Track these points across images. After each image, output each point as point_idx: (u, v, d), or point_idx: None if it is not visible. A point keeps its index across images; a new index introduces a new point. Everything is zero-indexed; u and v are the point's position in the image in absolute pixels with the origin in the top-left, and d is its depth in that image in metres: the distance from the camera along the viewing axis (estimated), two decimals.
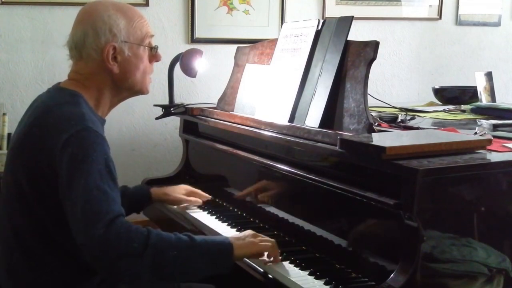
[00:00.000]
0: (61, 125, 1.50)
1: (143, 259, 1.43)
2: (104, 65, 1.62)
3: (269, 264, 1.63)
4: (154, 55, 1.72)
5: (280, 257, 1.64)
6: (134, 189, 2.14)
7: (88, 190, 1.44)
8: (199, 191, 2.23)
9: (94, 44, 1.61)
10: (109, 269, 1.46)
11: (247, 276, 1.68)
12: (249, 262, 1.68)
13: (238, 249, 1.58)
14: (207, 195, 2.22)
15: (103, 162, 1.48)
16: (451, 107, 2.73)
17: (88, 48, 1.61)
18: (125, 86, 1.68)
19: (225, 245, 1.57)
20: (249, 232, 1.67)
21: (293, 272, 1.58)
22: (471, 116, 2.44)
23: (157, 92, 2.96)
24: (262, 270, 1.64)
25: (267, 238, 1.66)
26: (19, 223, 1.57)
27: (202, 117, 2.41)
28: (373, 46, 1.74)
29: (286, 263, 1.64)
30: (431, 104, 2.95)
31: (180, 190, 2.20)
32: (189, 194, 2.21)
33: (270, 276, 1.61)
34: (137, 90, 1.71)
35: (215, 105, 2.47)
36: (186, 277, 1.55)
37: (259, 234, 1.67)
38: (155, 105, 2.57)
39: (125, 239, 1.43)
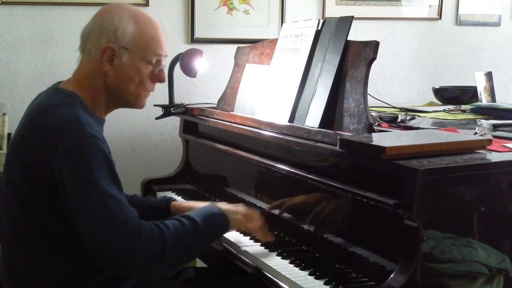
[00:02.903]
0: (57, 129, 1.49)
1: (162, 259, 1.51)
2: (99, 65, 1.61)
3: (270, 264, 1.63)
4: (156, 75, 1.69)
5: (269, 235, 1.76)
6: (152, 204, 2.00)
7: (102, 202, 1.45)
8: None
9: (96, 41, 1.61)
10: (130, 273, 1.57)
11: (247, 276, 1.69)
12: (249, 261, 1.68)
13: (231, 221, 1.69)
14: None
15: (106, 168, 1.49)
16: (451, 107, 2.73)
17: (90, 44, 1.62)
18: (116, 92, 1.65)
19: (222, 219, 1.67)
20: (241, 208, 1.77)
21: (293, 272, 1.58)
22: (471, 116, 2.44)
23: (157, 92, 2.93)
24: (262, 270, 1.64)
25: (257, 217, 1.77)
26: (19, 223, 1.57)
27: (202, 117, 2.41)
28: (373, 46, 1.74)
29: (286, 263, 1.64)
30: (431, 104, 2.94)
31: None
32: None
33: (270, 275, 1.61)
34: (128, 100, 1.68)
35: (215, 105, 2.47)
36: (194, 256, 1.70)
37: (251, 211, 1.78)
38: (155, 105, 2.57)
39: (146, 247, 1.48)
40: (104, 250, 1.47)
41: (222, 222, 1.67)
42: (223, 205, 1.75)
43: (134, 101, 1.69)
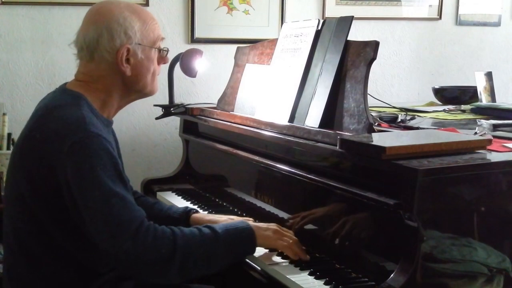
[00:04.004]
0: (62, 130, 1.49)
1: (172, 264, 1.47)
2: (116, 67, 1.61)
3: (270, 264, 1.63)
4: (162, 58, 1.72)
5: (302, 254, 1.63)
6: (171, 213, 1.95)
7: (106, 200, 1.44)
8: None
9: (108, 46, 1.59)
10: (139, 276, 1.51)
11: (247, 276, 1.68)
12: (250, 262, 1.69)
13: (258, 238, 1.62)
14: None
15: (112, 167, 1.48)
16: (451, 107, 2.73)
17: (102, 50, 1.59)
18: (136, 88, 1.68)
19: (248, 232, 1.61)
20: (272, 225, 1.70)
21: (293, 272, 1.58)
22: (471, 116, 2.44)
23: (157, 92, 2.95)
24: (262, 270, 1.64)
25: (287, 238, 1.66)
26: (20, 226, 1.56)
27: (202, 117, 2.41)
28: (373, 46, 1.74)
29: (286, 263, 1.64)
30: (431, 104, 2.95)
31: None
32: None
33: (270, 276, 1.61)
34: (147, 92, 1.71)
35: (215, 105, 2.47)
36: (212, 269, 1.58)
37: (282, 230, 1.69)
38: (155, 105, 2.57)
39: (152, 248, 1.46)
40: (109, 248, 1.46)
41: (246, 236, 1.61)
42: (254, 223, 1.70)
43: (150, 90, 1.71)
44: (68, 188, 1.46)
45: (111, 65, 1.61)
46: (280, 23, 3.19)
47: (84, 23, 1.64)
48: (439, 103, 2.95)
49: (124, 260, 1.46)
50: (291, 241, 1.66)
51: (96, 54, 1.61)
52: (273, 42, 2.18)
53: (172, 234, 1.49)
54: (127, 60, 1.62)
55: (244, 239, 1.61)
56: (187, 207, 1.95)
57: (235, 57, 2.46)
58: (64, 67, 2.86)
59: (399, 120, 2.12)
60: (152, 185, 2.54)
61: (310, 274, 1.55)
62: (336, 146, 1.57)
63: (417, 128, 1.95)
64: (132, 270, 1.49)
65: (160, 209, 1.95)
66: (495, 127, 1.96)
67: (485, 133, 1.86)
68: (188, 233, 1.53)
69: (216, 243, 1.54)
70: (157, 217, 1.89)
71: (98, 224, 1.45)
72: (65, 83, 1.68)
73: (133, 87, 1.67)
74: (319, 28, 1.97)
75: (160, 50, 1.70)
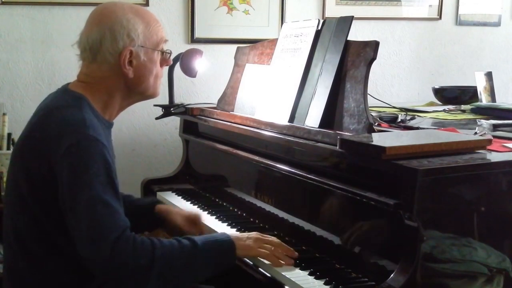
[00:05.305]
0: (61, 131, 1.49)
1: (150, 274, 1.46)
2: (118, 69, 1.60)
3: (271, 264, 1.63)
4: (165, 60, 1.71)
5: (282, 262, 1.62)
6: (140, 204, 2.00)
7: (92, 205, 1.44)
8: (201, 221, 1.97)
9: (111, 48, 1.58)
10: (117, 284, 1.50)
11: (247, 276, 1.69)
12: (249, 261, 1.68)
13: (238, 249, 1.61)
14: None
15: (104, 173, 1.48)
16: (451, 107, 2.73)
17: (104, 51, 1.59)
18: (138, 91, 1.67)
19: (228, 244, 1.61)
20: (253, 234, 1.69)
21: (293, 272, 1.58)
22: (471, 116, 2.44)
23: None
24: (262, 270, 1.64)
25: (269, 244, 1.65)
26: (20, 226, 1.56)
27: (202, 117, 2.41)
28: (373, 46, 1.74)
29: None
30: (431, 104, 2.95)
31: (177, 217, 1.96)
32: (188, 220, 1.97)
33: (269, 276, 1.61)
34: (149, 94, 1.70)
35: (215, 105, 2.47)
36: (191, 281, 1.58)
37: (264, 238, 1.68)
38: (155, 105, 2.57)
39: (131, 257, 1.45)
40: (89, 254, 1.45)
41: (226, 248, 1.60)
42: (235, 233, 1.69)
43: (153, 93, 1.70)
44: (62, 189, 1.47)
45: (114, 66, 1.60)
46: (280, 23, 3.19)
47: (88, 24, 1.64)
48: (439, 103, 2.95)
49: (103, 267, 1.46)
50: (273, 248, 1.65)
51: (99, 56, 1.60)
52: (273, 42, 2.18)
53: (151, 245, 1.49)
54: (130, 62, 1.61)
55: (224, 251, 1.60)
56: (154, 198, 1.95)
57: (235, 57, 2.46)
58: (64, 67, 2.86)
59: (399, 120, 2.12)
60: (152, 185, 2.54)
61: (310, 274, 1.55)
62: (336, 146, 1.57)
63: (417, 128, 1.96)
64: (110, 277, 1.49)
65: (131, 201, 1.95)
66: (495, 127, 1.96)
67: (485, 133, 1.86)
68: (167, 245, 1.52)
69: (195, 255, 1.54)
70: (127, 209, 1.88)
71: (81, 228, 1.45)
72: (67, 84, 1.67)
73: (135, 89, 1.66)
74: (319, 28, 1.97)
75: (163, 52, 1.70)
